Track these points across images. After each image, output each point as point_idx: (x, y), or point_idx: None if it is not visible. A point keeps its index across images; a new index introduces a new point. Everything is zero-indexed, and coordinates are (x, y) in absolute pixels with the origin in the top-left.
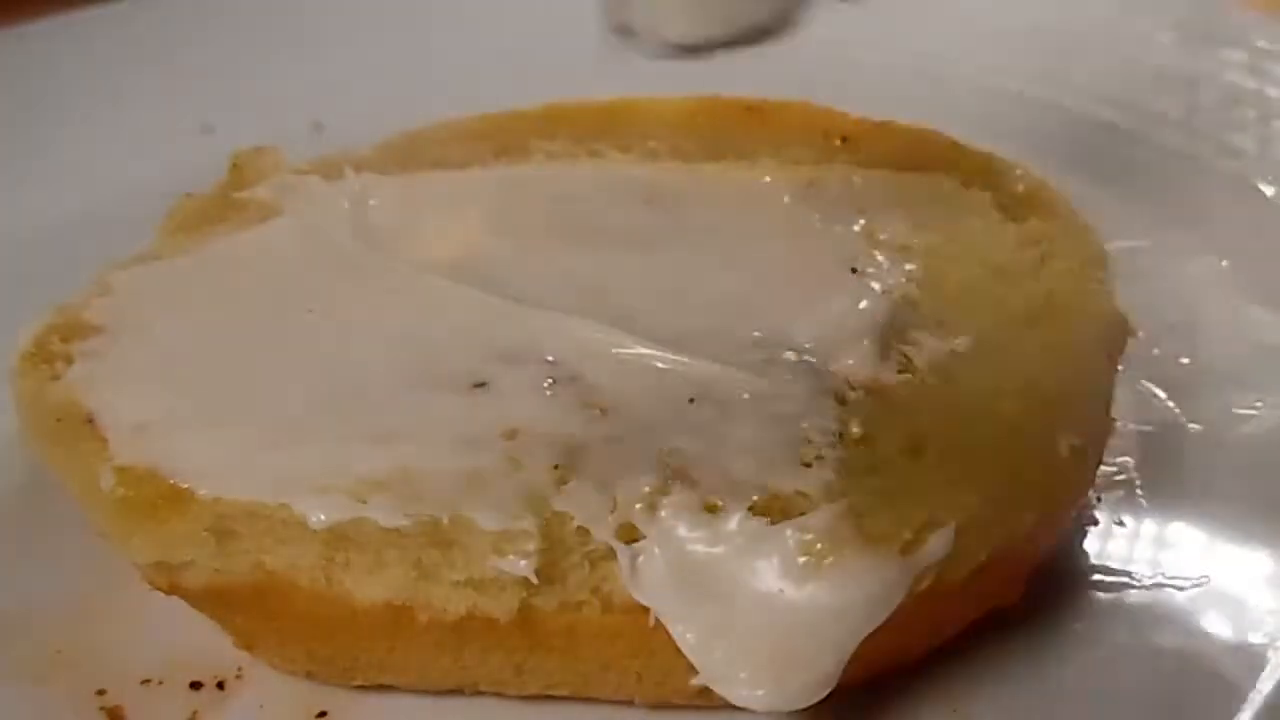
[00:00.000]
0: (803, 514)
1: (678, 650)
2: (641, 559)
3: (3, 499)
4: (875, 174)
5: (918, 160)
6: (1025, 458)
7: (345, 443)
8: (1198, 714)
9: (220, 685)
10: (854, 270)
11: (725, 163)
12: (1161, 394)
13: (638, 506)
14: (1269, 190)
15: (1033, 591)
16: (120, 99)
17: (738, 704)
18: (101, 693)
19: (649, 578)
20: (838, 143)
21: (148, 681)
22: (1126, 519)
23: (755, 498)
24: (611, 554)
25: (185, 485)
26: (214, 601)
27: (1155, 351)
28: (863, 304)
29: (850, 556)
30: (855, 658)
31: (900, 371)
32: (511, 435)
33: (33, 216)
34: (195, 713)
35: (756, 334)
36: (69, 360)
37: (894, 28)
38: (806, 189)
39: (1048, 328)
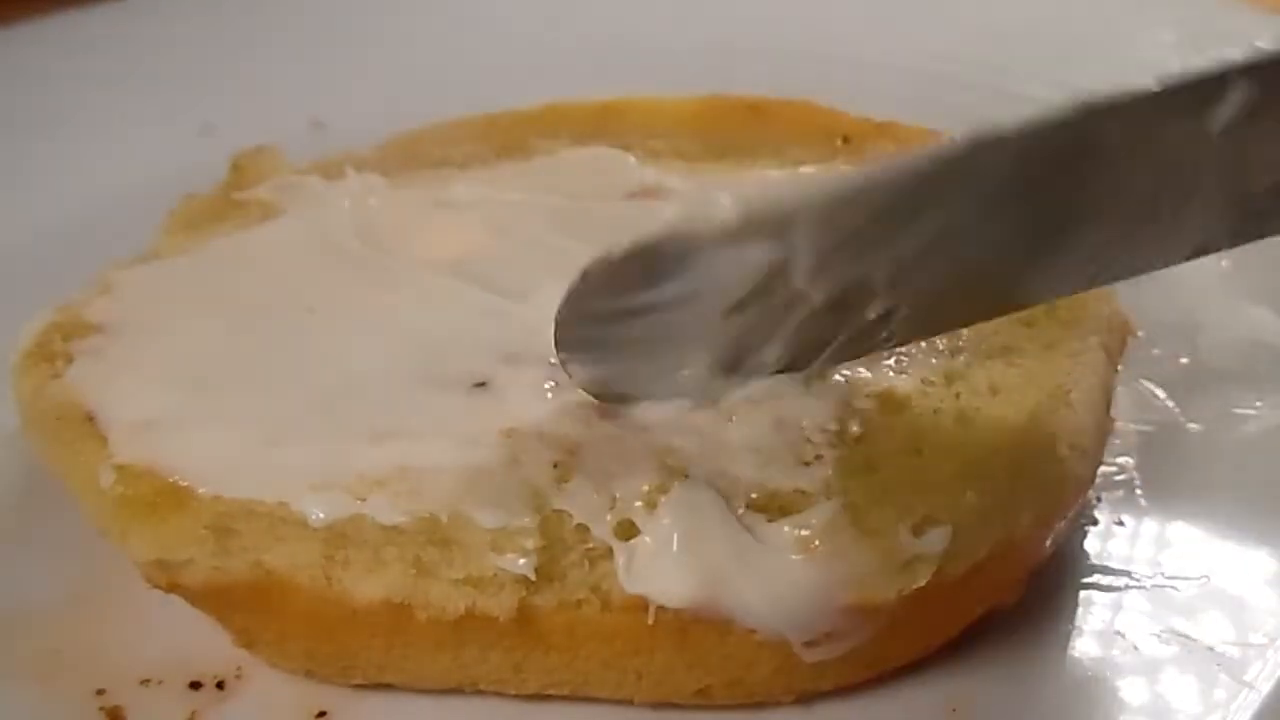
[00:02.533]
0: (801, 511)
1: (677, 649)
2: (640, 556)
3: (2, 498)
4: None
5: None
6: (1025, 458)
7: (344, 441)
8: (1197, 714)
9: (220, 685)
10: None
11: (726, 162)
12: (1161, 394)
13: (637, 504)
14: None
15: (1032, 591)
16: (120, 99)
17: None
18: (101, 693)
19: (645, 568)
20: (839, 143)
21: (148, 681)
22: (1126, 519)
23: (753, 495)
24: (611, 552)
25: (185, 483)
26: (213, 600)
27: (1155, 351)
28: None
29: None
30: (855, 657)
31: (899, 372)
32: (511, 434)
33: (33, 216)
34: (195, 713)
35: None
36: (69, 359)
37: (894, 28)
38: None
39: (1048, 328)
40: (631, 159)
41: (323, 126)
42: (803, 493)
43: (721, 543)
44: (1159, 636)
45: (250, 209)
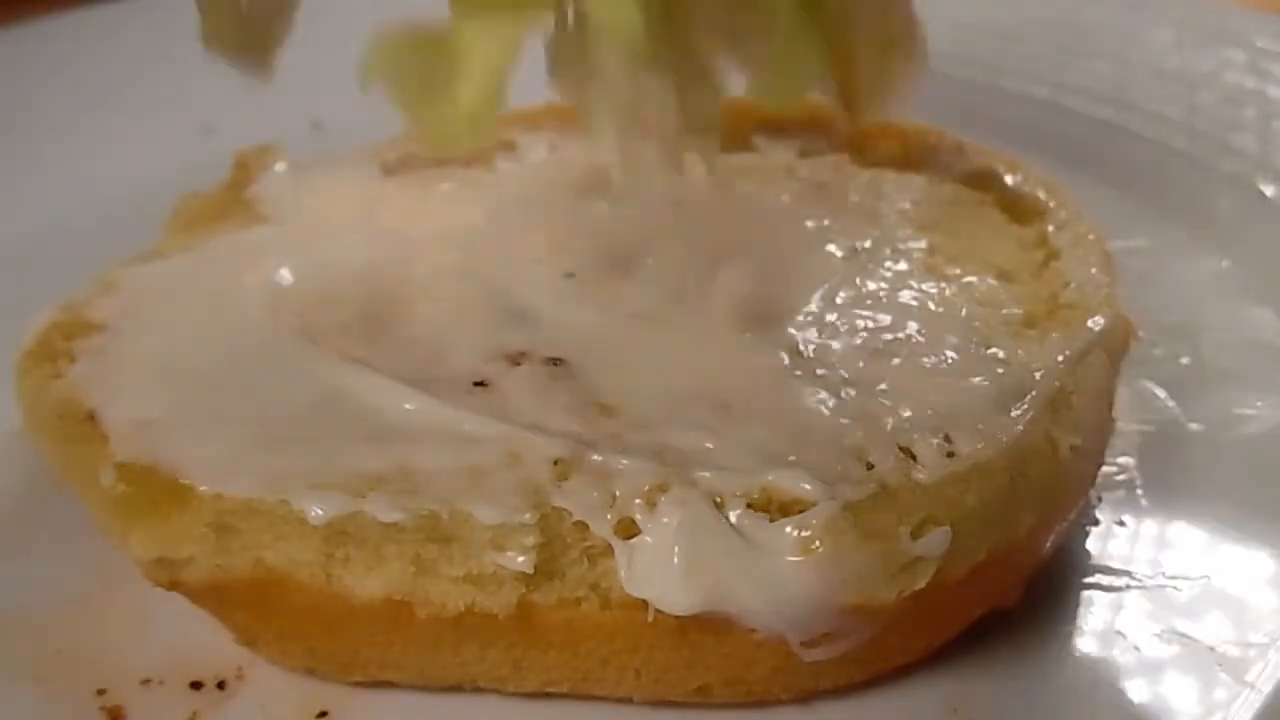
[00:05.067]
0: (801, 511)
1: (676, 647)
2: (639, 555)
3: (3, 498)
4: (879, 174)
5: (922, 160)
6: (1025, 458)
7: (344, 439)
8: (1198, 714)
9: (221, 685)
10: (857, 270)
11: (729, 162)
12: (1162, 394)
13: (637, 502)
14: (1269, 190)
15: (1033, 592)
16: (120, 99)
17: None
18: (101, 693)
19: (647, 573)
20: (842, 142)
21: (148, 681)
22: (1126, 519)
23: (754, 495)
24: (610, 550)
25: (186, 481)
26: (214, 598)
27: (1156, 351)
28: (865, 305)
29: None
30: (855, 657)
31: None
32: (511, 431)
33: (35, 215)
34: (195, 713)
35: (756, 333)
36: (71, 358)
37: None
38: (811, 189)
39: (1049, 328)
40: None
41: (323, 126)
42: (803, 492)
43: (722, 545)
44: (1160, 637)
45: (252, 207)
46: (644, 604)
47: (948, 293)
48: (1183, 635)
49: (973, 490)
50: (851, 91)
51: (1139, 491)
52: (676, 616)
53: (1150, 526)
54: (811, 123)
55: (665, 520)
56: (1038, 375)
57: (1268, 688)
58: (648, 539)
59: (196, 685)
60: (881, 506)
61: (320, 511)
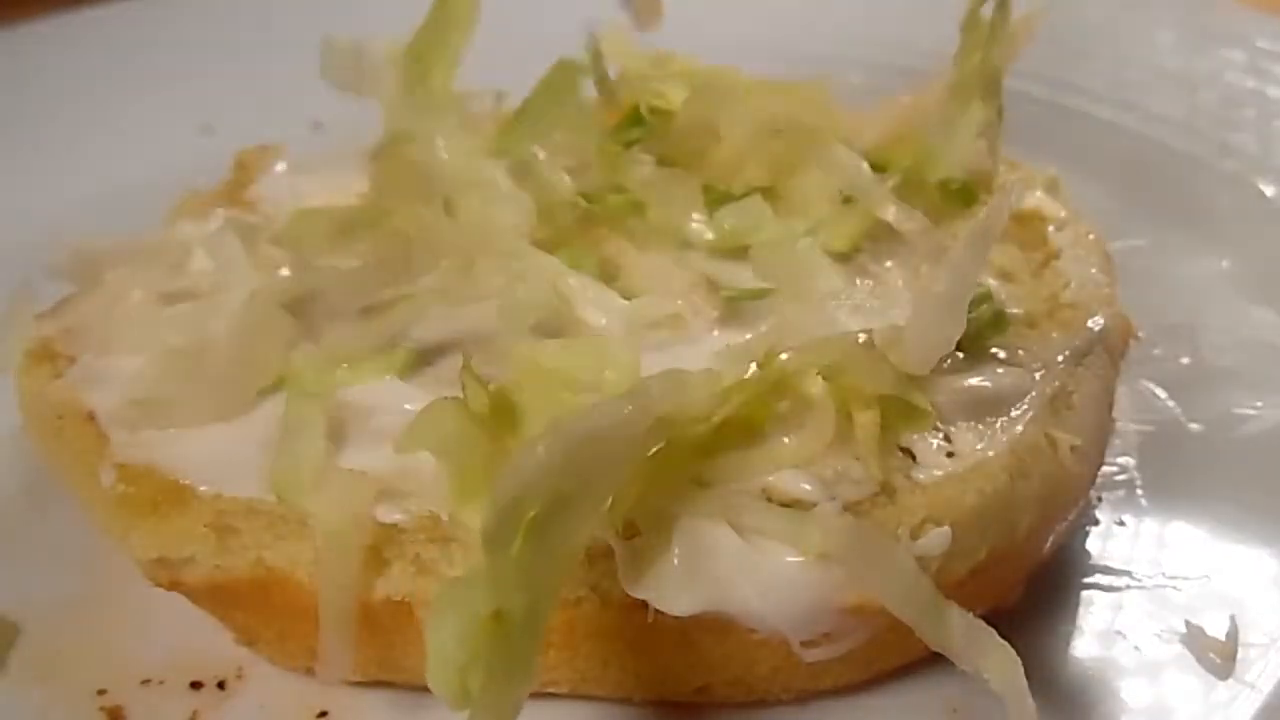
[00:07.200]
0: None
1: (677, 647)
2: (639, 555)
3: (3, 499)
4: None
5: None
6: (1025, 458)
7: (344, 440)
8: (1197, 713)
9: (221, 685)
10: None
11: None
12: (1162, 394)
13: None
14: (1269, 190)
15: (1033, 591)
16: (121, 99)
17: None
18: (102, 693)
19: (647, 573)
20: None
21: (148, 681)
22: (1127, 519)
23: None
24: (610, 550)
25: (186, 482)
26: (214, 597)
27: (1156, 351)
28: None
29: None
30: (855, 657)
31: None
32: None
33: (35, 215)
34: (195, 713)
35: (754, 332)
36: (71, 358)
37: (895, 28)
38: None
39: (1050, 329)
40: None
41: (323, 127)
42: (805, 492)
43: (722, 546)
44: (1160, 637)
45: (252, 208)
46: (644, 604)
47: None
48: (1183, 635)
49: (973, 490)
50: None
51: (1139, 491)
52: (676, 616)
53: (1150, 526)
54: None
55: (666, 521)
56: (1038, 375)
57: (1268, 688)
58: (648, 539)
59: (196, 685)
60: (881, 506)
61: None
